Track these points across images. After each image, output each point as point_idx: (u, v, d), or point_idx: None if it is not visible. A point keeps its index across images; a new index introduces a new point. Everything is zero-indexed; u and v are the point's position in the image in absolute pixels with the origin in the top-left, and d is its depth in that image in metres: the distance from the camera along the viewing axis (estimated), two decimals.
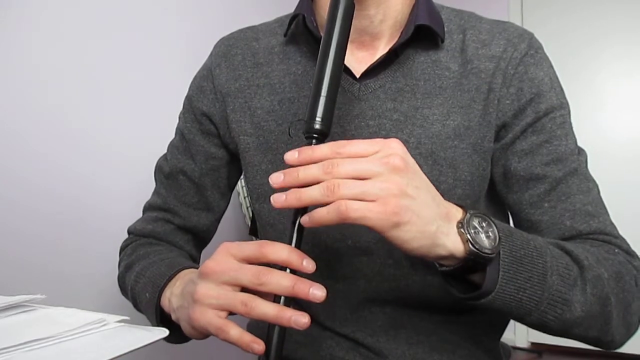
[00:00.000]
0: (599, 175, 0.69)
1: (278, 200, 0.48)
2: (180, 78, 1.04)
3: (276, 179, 0.48)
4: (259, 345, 0.48)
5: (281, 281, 0.47)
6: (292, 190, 0.47)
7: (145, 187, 0.84)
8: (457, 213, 0.51)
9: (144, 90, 1.42)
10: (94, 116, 1.28)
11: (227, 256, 0.50)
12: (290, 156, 0.49)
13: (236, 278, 0.49)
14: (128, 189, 1.34)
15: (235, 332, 0.49)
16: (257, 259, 0.49)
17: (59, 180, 1.19)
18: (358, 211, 0.45)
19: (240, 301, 0.48)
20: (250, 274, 0.48)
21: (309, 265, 0.48)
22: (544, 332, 0.55)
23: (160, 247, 0.76)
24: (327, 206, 0.46)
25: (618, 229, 0.65)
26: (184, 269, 0.65)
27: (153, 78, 1.46)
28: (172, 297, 0.60)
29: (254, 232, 1.67)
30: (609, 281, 0.56)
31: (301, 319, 0.47)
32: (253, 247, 0.50)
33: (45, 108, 1.16)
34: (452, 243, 0.49)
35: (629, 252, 0.62)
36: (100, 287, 1.25)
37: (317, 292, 0.47)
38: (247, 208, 1.77)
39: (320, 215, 0.46)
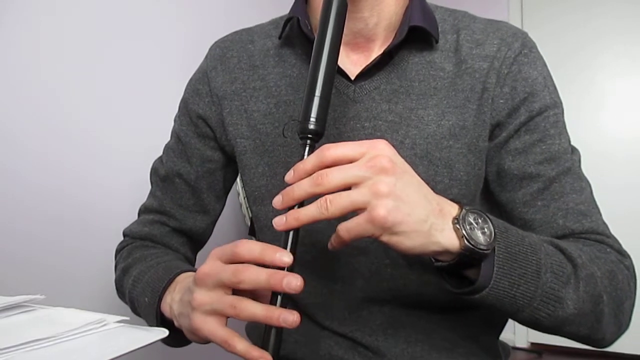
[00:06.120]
0: (598, 175, 0.70)
1: (279, 223, 0.49)
2: (179, 79, 1.05)
3: (277, 202, 0.50)
4: None
5: (256, 276, 0.47)
6: (291, 211, 0.49)
7: (145, 186, 0.85)
8: (452, 209, 0.52)
9: (143, 90, 1.43)
10: (93, 116, 1.28)
11: (214, 260, 0.51)
12: (288, 177, 0.50)
13: (220, 279, 0.49)
14: (128, 188, 1.35)
15: (242, 346, 0.48)
16: (234, 259, 0.50)
17: (59, 180, 1.19)
18: (352, 230, 0.47)
19: (229, 304, 0.48)
20: (229, 273, 0.48)
21: (283, 256, 0.48)
22: (536, 329, 0.56)
23: (156, 250, 0.76)
24: (332, 237, 0.50)
25: (618, 228, 0.65)
26: (182, 273, 0.65)
27: (152, 78, 1.46)
28: (172, 304, 0.60)
29: (254, 232, 1.67)
30: (601, 279, 0.56)
31: (289, 317, 0.47)
32: (229, 248, 0.50)
33: (45, 108, 1.16)
34: (447, 239, 0.50)
35: (620, 252, 0.63)
36: (100, 287, 1.25)
37: (292, 281, 0.46)
38: (247, 208, 1.77)
39: (337, 242, 0.50)
